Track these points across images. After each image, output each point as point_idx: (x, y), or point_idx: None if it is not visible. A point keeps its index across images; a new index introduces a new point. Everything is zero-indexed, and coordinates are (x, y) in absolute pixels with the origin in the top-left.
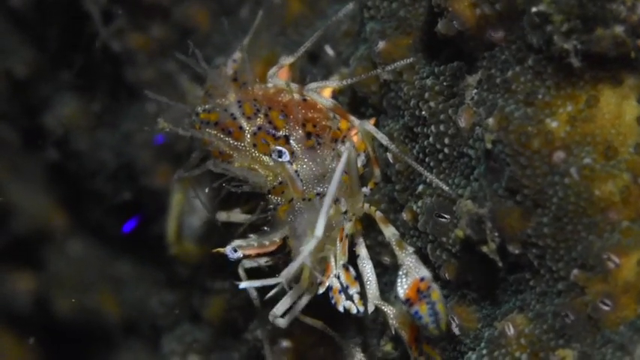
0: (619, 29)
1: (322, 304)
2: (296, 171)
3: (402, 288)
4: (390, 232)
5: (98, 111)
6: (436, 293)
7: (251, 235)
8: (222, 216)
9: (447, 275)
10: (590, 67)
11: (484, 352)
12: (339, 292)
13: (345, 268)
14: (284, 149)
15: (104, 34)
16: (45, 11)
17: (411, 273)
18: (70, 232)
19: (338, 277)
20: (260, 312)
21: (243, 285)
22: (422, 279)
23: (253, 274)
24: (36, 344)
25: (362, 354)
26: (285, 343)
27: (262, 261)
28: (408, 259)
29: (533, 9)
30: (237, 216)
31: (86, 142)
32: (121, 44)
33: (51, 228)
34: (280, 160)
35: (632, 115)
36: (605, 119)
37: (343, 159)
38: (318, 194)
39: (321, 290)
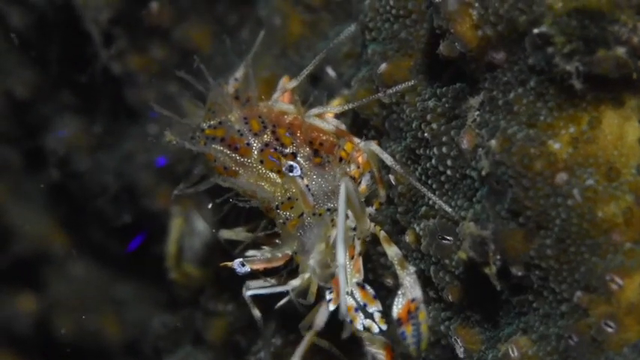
0: (621, 51)
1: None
2: (307, 186)
3: (397, 307)
4: (393, 251)
5: (99, 132)
6: (423, 314)
7: (260, 249)
8: (225, 234)
9: (450, 297)
10: (591, 88)
11: None
12: (355, 309)
13: (361, 286)
14: (295, 164)
15: (104, 56)
16: (45, 31)
17: (407, 293)
18: (71, 253)
19: (352, 295)
20: (263, 334)
21: (250, 292)
22: (413, 300)
23: (257, 299)
24: None
25: None
26: None
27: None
28: (407, 278)
29: (535, 30)
30: (240, 234)
31: (87, 163)
32: (122, 65)
33: (52, 249)
34: (291, 174)
35: (635, 136)
36: (607, 141)
37: (342, 195)
38: (328, 210)
39: (331, 307)
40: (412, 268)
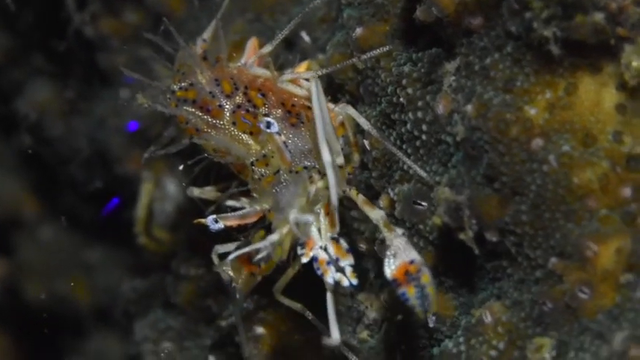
0: (599, 16)
1: (299, 292)
2: (284, 142)
3: (390, 268)
4: (377, 214)
5: (71, 97)
6: (426, 276)
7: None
8: (195, 192)
9: None
10: (569, 54)
11: (461, 339)
12: (327, 263)
13: (335, 240)
14: (272, 120)
15: (77, 19)
16: None
17: (400, 255)
18: (42, 218)
19: (325, 250)
20: (234, 298)
21: (230, 255)
22: (411, 261)
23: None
24: (5, 331)
25: None
26: (260, 330)
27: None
28: (397, 240)
29: None
30: (210, 193)
31: (59, 128)
32: (95, 29)
33: (23, 214)
34: (269, 130)
35: (611, 102)
36: (584, 107)
37: (313, 91)
38: (305, 167)
39: (304, 260)
40: (400, 230)
